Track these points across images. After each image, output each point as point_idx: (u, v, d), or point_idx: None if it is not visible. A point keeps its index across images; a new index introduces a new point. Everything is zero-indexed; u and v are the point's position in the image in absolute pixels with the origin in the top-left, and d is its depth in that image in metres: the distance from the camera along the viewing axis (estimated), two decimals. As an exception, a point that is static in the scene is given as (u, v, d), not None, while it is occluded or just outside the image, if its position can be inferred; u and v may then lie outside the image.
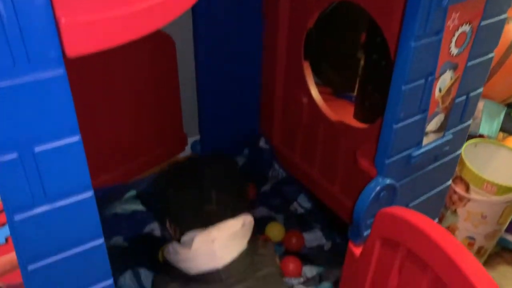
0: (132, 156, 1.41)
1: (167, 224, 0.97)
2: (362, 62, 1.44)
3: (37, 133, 0.45)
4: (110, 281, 0.58)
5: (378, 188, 0.83)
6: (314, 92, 1.32)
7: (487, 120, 1.47)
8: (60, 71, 0.43)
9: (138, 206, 1.28)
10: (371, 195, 0.83)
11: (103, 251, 0.55)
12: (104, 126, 1.27)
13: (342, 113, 1.31)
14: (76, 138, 0.46)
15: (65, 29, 0.41)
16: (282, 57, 1.37)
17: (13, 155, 0.44)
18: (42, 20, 0.40)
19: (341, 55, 1.38)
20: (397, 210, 0.76)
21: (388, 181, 0.85)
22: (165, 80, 1.38)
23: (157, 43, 1.27)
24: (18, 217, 0.47)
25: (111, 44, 0.41)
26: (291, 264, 1.17)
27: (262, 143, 1.54)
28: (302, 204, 1.42)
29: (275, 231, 1.28)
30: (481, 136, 1.40)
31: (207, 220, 0.88)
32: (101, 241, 0.54)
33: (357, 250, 0.90)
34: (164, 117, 1.43)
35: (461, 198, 1.15)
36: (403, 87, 0.74)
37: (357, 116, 1.32)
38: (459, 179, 1.15)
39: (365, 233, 0.89)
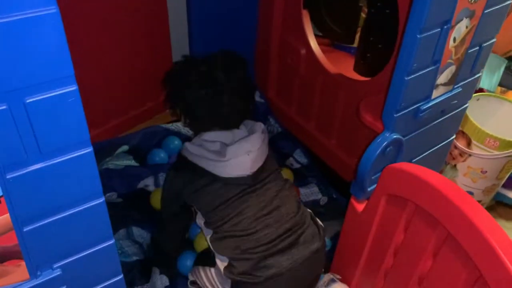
0: (123, 110, 1.36)
1: (182, 118, 1.04)
2: (363, 14, 1.38)
3: (28, 82, 0.39)
4: (111, 242, 0.55)
5: (385, 143, 0.80)
6: (313, 43, 1.26)
7: (488, 74, 1.44)
8: (52, 9, 0.37)
9: (131, 161, 1.24)
10: (378, 150, 0.80)
11: (104, 210, 0.51)
12: (94, 79, 1.20)
13: (341, 66, 1.26)
14: (72, 87, 0.41)
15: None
16: (279, 5, 1.30)
17: (2, 106, 0.39)
18: None
19: (342, 4, 1.31)
20: (406, 166, 0.74)
21: (395, 136, 0.81)
22: (157, 30, 1.30)
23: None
24: (10, 175, 0.43)
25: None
26: None
27: (257, 96, 1.50)
28: (298, 159, 1.39)
29: (284, 175, 1.28)
30: (481, 90, 1.38)
31: (222, 122, 0.98)
32: (101, 200, 0.51)
33: (359, 206, 0.89)
34: (155, 70, 1.36)
35: (461, 153, 1.14)
36: (418, 36, 0.69)
37: (358, 69, 1.27)
38: (461, 134, 1.12)
39: (369, 189, 0.87)
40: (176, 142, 1.32)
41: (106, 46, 1.19)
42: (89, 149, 0.46)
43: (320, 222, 1.00)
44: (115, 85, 1.27)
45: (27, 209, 0.46)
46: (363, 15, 1.40)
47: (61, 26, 0.38)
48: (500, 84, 1.56)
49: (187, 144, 0.97)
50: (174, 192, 0.99)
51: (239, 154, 0.91)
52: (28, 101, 0.40)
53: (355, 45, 1.40)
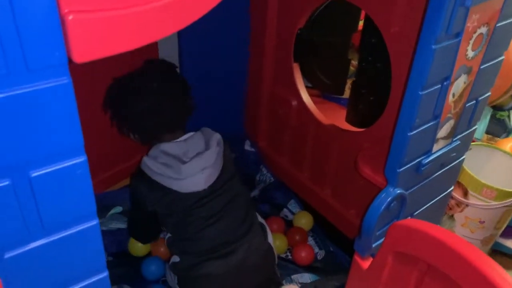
0: (110, 163, 1.32)
1: (131, 135, 1.05)
2: (351, 66, 1.41)
3: (34, 155, 0.37)
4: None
5: (389, 198, 0.79)
6: (304, 94, 1.27)
7: (476, 123, 1.47)
8: (64, 80, 0.35)
9: (123, 225, 1.20)
10: (383, 205, 0.79)
11: (107, 285, 0.47)
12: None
13: (332, 117, 1.27)
14: (81, 158, 0.39)
15: (73, 29, 0.33)
16: (269, 58, 1.31)
17: (4, 182, 0.36)
18: (44, 17, 0.32)
19: (331, 56, 1.34)
20: (415, 223, 0.72)
21: (398, 191, 0.80)
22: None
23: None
24: (9, 254, 0.39)
25: (130, 46, 0.34)
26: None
27: (247, 146, 1.48)
28: (293, 210, 1.36)
29: (302, 219, 1.29)
30: (470, 138, 1.39)
31: (169, 126, 1.02)
32: (105, 274, 0.47)
33: (364, 263, 0.86)
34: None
35: (458, 203, 1.13)
36: (421, 93, 0.69)
37: (350, 120, 1.27)
38: (457, 184, 1.12)
39: (374, 245, 0.84)
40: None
41: (93, 94, 1.16)
42: (95, 222, 0.43)
43: (267, 229, 1.09)
44: (103, 138, 1.24)
45: (25, 289, 0.42)
46: (352, 68, 1.43)
47: (72, 96, 0.36)
48: (486, 132, 1.59)
49: (146, 159, 0.99)
50: (140, 198, 1.01)
51: (194, 173, 0.96)
52: (33, 175, 0.37)
53: (345, 96, 1.42)
